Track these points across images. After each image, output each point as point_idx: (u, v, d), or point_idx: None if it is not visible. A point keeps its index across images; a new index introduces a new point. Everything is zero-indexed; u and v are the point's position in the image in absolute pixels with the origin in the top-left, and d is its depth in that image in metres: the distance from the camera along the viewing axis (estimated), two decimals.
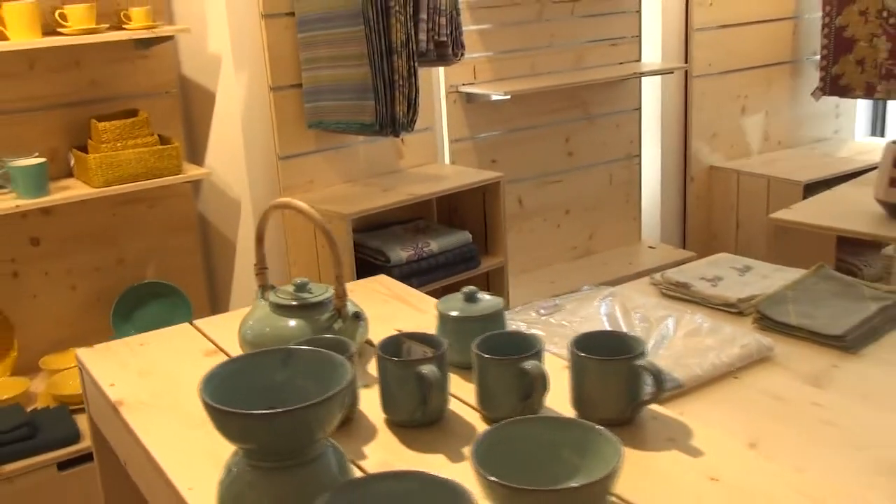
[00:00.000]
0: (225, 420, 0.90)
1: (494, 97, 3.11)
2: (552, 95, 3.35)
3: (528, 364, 1.07)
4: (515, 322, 1.78)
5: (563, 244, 3.54)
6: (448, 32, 2.56)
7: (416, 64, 2.51)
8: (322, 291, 1.30)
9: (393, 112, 2.50)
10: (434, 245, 2.71)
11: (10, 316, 2.55)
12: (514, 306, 2.93)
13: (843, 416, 1.45)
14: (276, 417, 0.90)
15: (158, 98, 2.70)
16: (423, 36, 2.52)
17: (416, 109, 2.52)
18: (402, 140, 2.93)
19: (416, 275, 2.65)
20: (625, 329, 1.74)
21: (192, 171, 2.58)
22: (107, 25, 2.44)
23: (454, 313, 1.27)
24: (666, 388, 1.12)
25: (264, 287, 1.34)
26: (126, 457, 1.30)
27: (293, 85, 2.65)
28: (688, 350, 1.64)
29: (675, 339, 1.68)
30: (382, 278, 1.79)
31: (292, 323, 1.27)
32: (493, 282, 2.92)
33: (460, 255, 2.76)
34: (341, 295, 1.28)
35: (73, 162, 2.55)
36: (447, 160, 3.18)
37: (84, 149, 2.50)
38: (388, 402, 1.13)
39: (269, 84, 2.62)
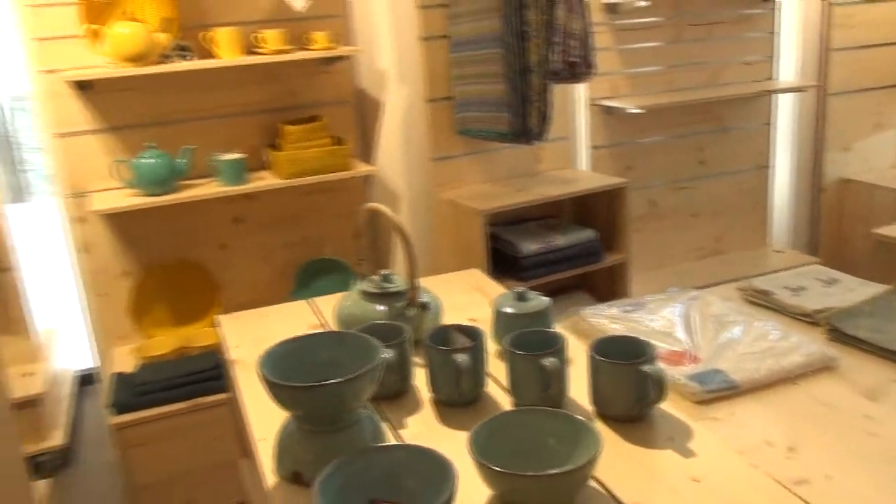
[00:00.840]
0: (276, 390, 0.97)
1: (631, 110, 3.02)
2: (687, 109, 3.21)
3: (547, 361, 1.06)
4: (598, 317, 1.75)
5: (690, 244, 3.40)
6: (580, 54, 2.51)
7: (549, 82, 2.49)
8: (400, 283, 1.35)
9: (527, 124, 2.50)
10: (561, 240, 2.69)
11: (217, 279, 2.80)
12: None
13: (891, 430, 1.32)
14: (314, 390, 0.96)
15: (338, 106, 2.84)
16: (556, 57, 2.49)
17: (548, 122, 2.50)
18: (540, 147, 2.91)
19: (543, 265, 2.65)
20: (697, 330, 1.67)
21: (360, 168, 2.70)
22: (295, 47, 2.60)
23: (506, 310, 1.27)
24: (665, 393, 1.08)
25: (361, 275, 1.40)
26: (239, 404, 1.41)
27: (445, 98, 2.70)
28: (751, 354, 1.55)
29: (741, 343, 1.59)
30: (475, 272, 1.81)
31: (375, 307, 1.33)
32: (616, 276, 2.86)
33: (585, 249, 2.72)
34: (414, 287, 1.31)
35: (267, 158, 2.74)
36: (585, 165, 3.13)
37: (276, 147, 2.68)
38: (432, 383, 1.16)
39: (425, 96, 2.69)
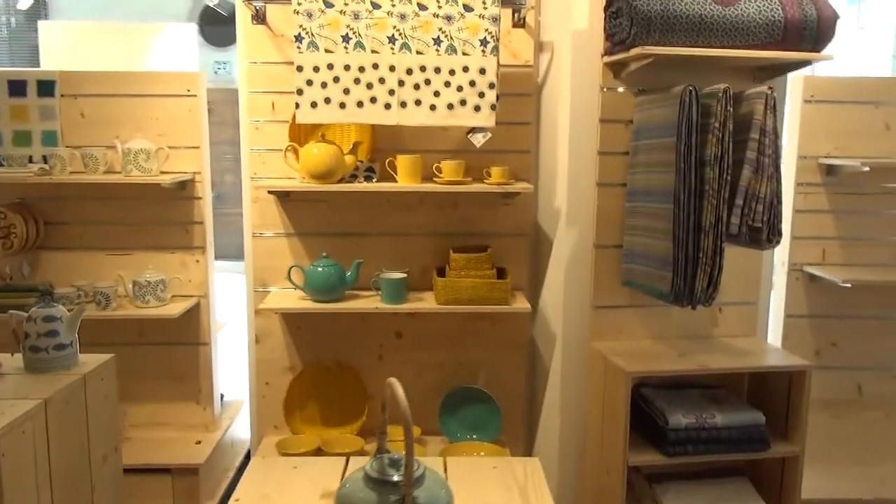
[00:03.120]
0: None
1: (839, 283, 2.65)
2: None
3: None
4: None
5: None
6: (764, 219, 2.26)
7: (723, 244, 2.26)
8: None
9: (692, 285, 2.28)
10: (719, 418, 2.38)
11: (370, 388, 2.84)
12: (811, 496, 2.46)
13: None
14: None
15: (513, 239, 2.81)
16: (735, 220, 2.26)
17: (716, 286, 2.26)
18: (720, 310, 2.64)
19: (693, 442, 2.36)
20: None
21: (517, 304, 2.62)
22: (471, 178, 2.63)
23: None
24: None
25: (380, 449, 1.33)
26: None
27: (616, 245, 2.56)
28: None
29: None
30: (534, 463, 1.63)
31: (369, 494, 1.24)
32: (787, 469, 2.46)
33: (747, 433, 2.38)
34: (408, 484, 1.21)
35: (433, 280, 2.77)
36: (777, 335, 2.78)
37: (443, 271, 2.70)
38: None
39: (594, 241, 2.57)
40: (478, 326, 2.86)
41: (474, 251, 2.66)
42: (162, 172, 2.86)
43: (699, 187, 2.25)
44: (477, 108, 2.47)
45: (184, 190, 2.95)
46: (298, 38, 2.43)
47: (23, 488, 1.58)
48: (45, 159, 2.85)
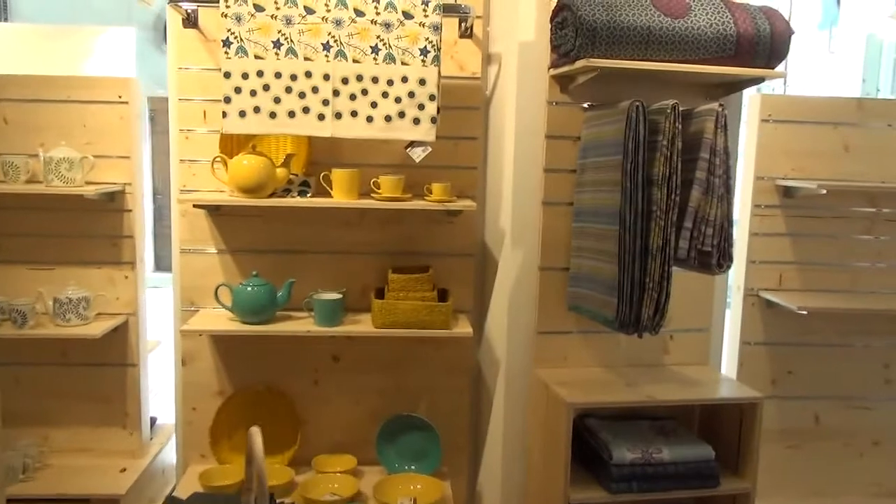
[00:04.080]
0: None
1: (796, 310, 2.53)
2: (873, 317, 2.64)
3: None
4: None
5: (864, 478, 2.73)
6: (714, 243, 2.14)
7: (671, 269, 2.13)
8: None
9: (638, 312, 2.14)
10: (666, 453, 2.24)
11: (303, 414, 2.67)
12: None
13: None
14: None
15: (458, 259, 2.66)
16: (683, 244, 2.14)
17: (664, 313, 2.13)
18: (671, 337, 2.51)
19: (638, 479, 2.21)
20: None
21: (457, 329, 2.47)
22: (411, 195, 2.48)
23: None
24: None
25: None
26: None
27: (562, 268, 2.42)
28: None
29: None
30: None
31: None
32: None
33: (696, 469, 2.24)
34: None
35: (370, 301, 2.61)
36: (731, 363, 2.65)
37: (381, 292, 2.54)
38: None
39: (539, 263, 2.43)
40: (420, 351, 2.70)
41: (416, 271, 2.51)
42: (88, 183, 2.68)
43: (646, 208, 2.12)
44: (416, 121, 2.32)
45: (112, 202, 2.77)
46: (226, 43, 2.27)
47: None
48: None
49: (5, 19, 7.53)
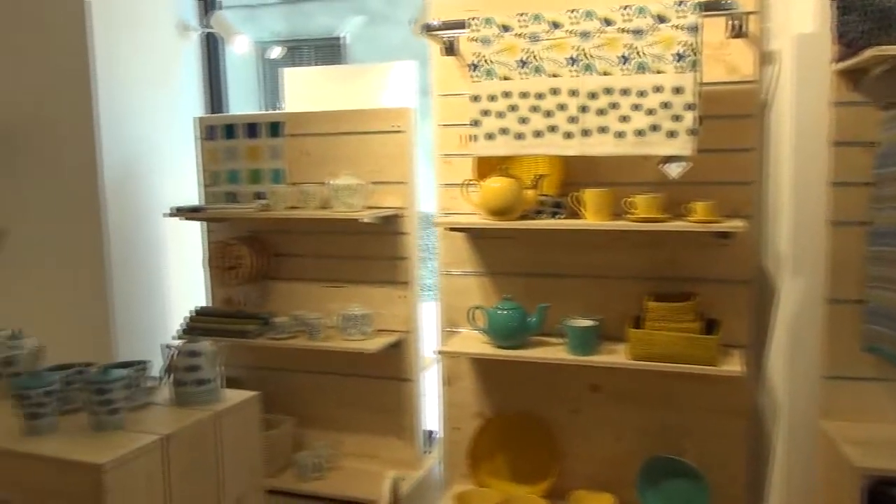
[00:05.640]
0: None
1: None
2: None
3: None
4: None
5: None
6: None
7: None
8: None
9: None
10: None
11: (562, 445, 2.55)
12: None
13: None
14: None
15: (730, 286, 2.34)
16: None
17: None
18: None
19: None
20: None
21: (725, 367, 2.16)
22: (670, 215, 2.23)
23: None
24: None
25: None
26: None
27: (853, 300, 1.99)
28: None
29: None
30: None
31: None
32: None
33: None
34: None
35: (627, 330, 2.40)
36: None
37: (638, 321, 2.33)
38: None
39: (825, 295, 2.02)
40: (687, 387, 2.42)
41: (678, 299, 2.25)
42: (367, 208, 2.85)
43: None
44: (671, 134, 2.09)
45: (389, 225, 2.92)
46: (474, 67, 2.26)
47: None
48: (258, 195, 3.02)
49: (342, 61, 8.39)
